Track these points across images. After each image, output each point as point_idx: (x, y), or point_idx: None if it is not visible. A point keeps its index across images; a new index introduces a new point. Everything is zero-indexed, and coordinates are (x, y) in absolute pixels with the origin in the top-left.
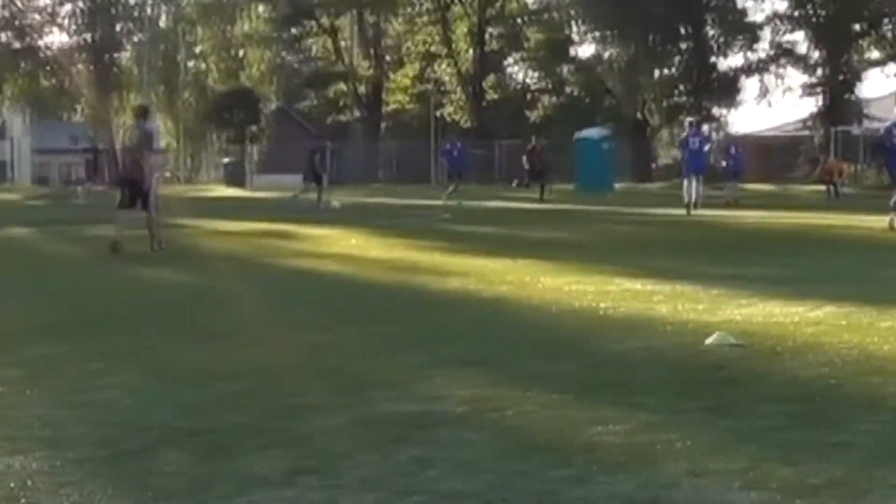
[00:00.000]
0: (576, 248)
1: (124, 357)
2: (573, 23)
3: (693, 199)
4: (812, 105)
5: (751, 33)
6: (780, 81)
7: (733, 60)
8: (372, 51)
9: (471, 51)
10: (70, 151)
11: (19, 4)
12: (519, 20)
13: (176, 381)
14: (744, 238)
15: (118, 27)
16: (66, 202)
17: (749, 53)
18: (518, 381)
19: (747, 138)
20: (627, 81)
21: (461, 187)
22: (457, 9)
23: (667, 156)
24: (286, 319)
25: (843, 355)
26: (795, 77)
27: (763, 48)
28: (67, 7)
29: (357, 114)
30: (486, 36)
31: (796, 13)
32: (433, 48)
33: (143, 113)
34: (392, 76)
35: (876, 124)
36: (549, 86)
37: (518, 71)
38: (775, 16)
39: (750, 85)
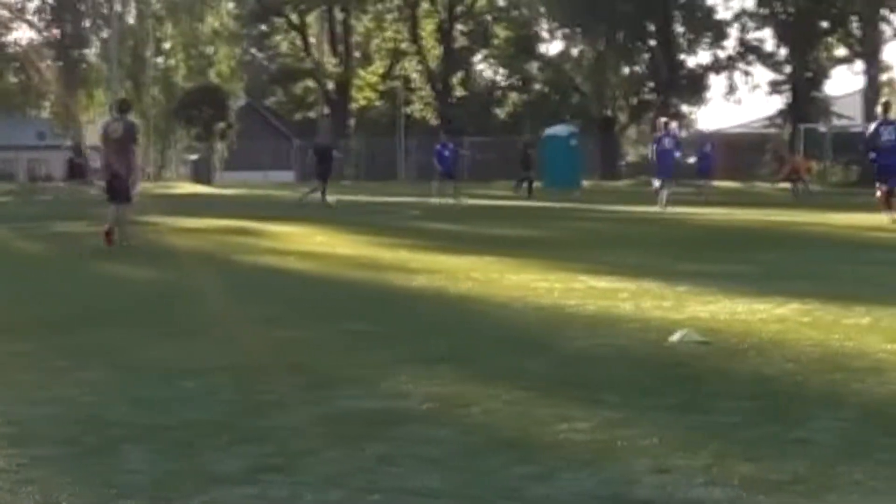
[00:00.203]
0: (542, 245)
1: (89, 354)
2: (541, 20)
3: (664, 197)
4: (779, 102)
5: (718, 31)
6: (747, 79)
7: (701, 58)
8: (340, 48)
9: (438, 48)
10: (37, 148)
11: None
12: (487, 17)
13: (141, 378)
14: (710, 235)
15: (86, 23)
16: (32, 199)
17: (716, 51)
18: (483, 377)
19: (714, 136)
20: (595, 78)
21: (451, 188)
22: (425, 6)
23: (634, 153)
24: (252, 316)
25: (807, 352)
26: (762, 74)
27: (730, 45)
28: (35, 3)
29: (325, 110)
30: (454, 33)
31: (763, 11)
32: (401, 45)
33: (125, 107)
34: (360, 73)
35: (844, 121)
36: (517, 83)
37: (486, 68)
38: (743, 13)
39: (717, 82)
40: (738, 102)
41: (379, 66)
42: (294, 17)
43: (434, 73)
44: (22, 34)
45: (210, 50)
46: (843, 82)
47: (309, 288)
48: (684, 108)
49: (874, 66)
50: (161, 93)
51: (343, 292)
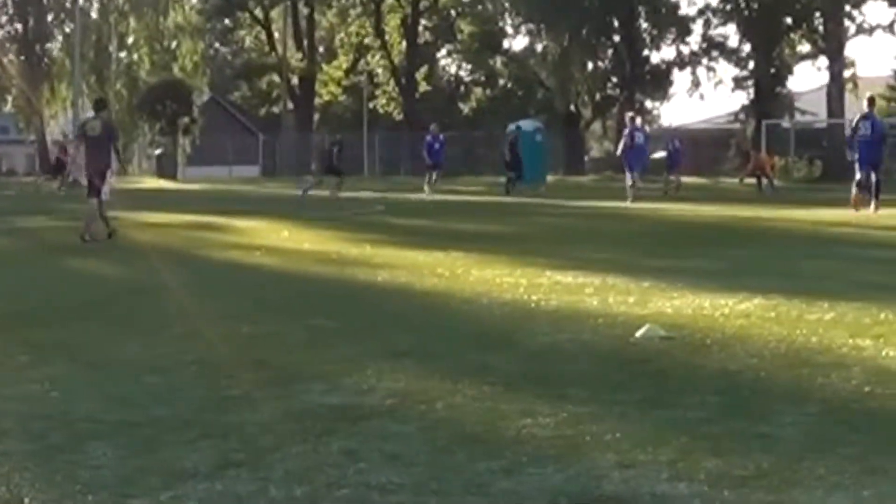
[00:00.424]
0: (507, 240)
1: (53, 350)
2: (506, 15)
3: (633, 192)
4: (742, 98)
5: (682, 26)
6: (711, 74)
7: (665, 53)
8: (304, 42)
9: (403, 43)
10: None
11: None
12: (451, 12)
13: (105, 374)
14: (675, 231)
15: (49, 17)
16: None
17: (681, 46)
18: (448, 373)
19: (678, 131)
20: (560, 74)
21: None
22: (389, 1)
23: (599, 148)
24: (216, 312)
25: (772, 347)
26: (726, 70)
27: (695, 41)
28: None
29: (289, 105)
30: (419, 28)
31: (727, 6)
32: (366, 40)
33: (101, 106)
34: (324, 68)
35: (807, 117)
36: (482, 78)
37: (450, 63)
38: (707, 9)
39: (681, 78)
40: (702, 98)
41: (343, 60)
42: (258, 12)
43: (398, 68)
44: None
45: (174, 44)
46: (807, 78)
47: (274, 283)
48: (648, 104)
49: (838, 62)
50: (124, 87)
51: (308, 288)
